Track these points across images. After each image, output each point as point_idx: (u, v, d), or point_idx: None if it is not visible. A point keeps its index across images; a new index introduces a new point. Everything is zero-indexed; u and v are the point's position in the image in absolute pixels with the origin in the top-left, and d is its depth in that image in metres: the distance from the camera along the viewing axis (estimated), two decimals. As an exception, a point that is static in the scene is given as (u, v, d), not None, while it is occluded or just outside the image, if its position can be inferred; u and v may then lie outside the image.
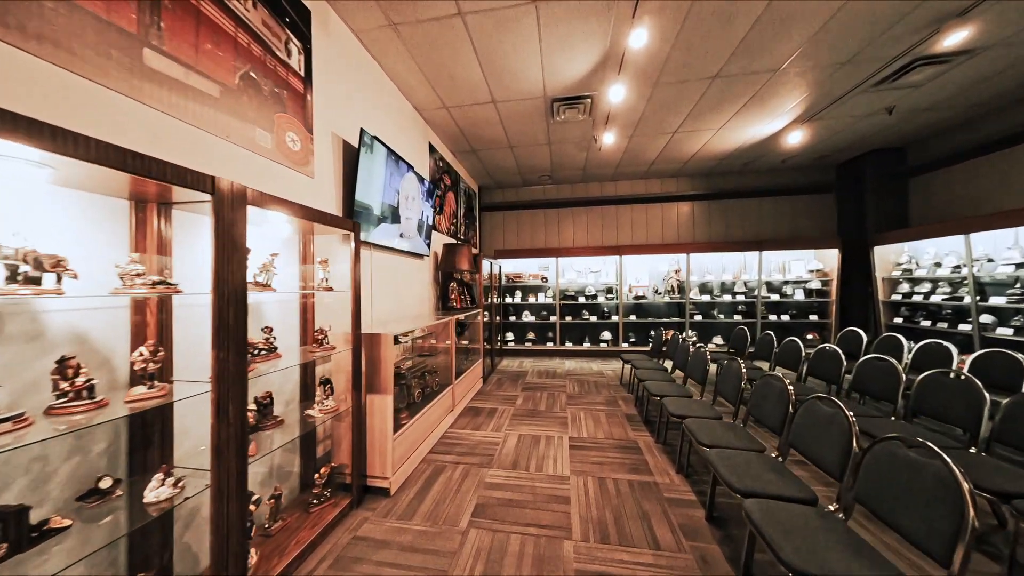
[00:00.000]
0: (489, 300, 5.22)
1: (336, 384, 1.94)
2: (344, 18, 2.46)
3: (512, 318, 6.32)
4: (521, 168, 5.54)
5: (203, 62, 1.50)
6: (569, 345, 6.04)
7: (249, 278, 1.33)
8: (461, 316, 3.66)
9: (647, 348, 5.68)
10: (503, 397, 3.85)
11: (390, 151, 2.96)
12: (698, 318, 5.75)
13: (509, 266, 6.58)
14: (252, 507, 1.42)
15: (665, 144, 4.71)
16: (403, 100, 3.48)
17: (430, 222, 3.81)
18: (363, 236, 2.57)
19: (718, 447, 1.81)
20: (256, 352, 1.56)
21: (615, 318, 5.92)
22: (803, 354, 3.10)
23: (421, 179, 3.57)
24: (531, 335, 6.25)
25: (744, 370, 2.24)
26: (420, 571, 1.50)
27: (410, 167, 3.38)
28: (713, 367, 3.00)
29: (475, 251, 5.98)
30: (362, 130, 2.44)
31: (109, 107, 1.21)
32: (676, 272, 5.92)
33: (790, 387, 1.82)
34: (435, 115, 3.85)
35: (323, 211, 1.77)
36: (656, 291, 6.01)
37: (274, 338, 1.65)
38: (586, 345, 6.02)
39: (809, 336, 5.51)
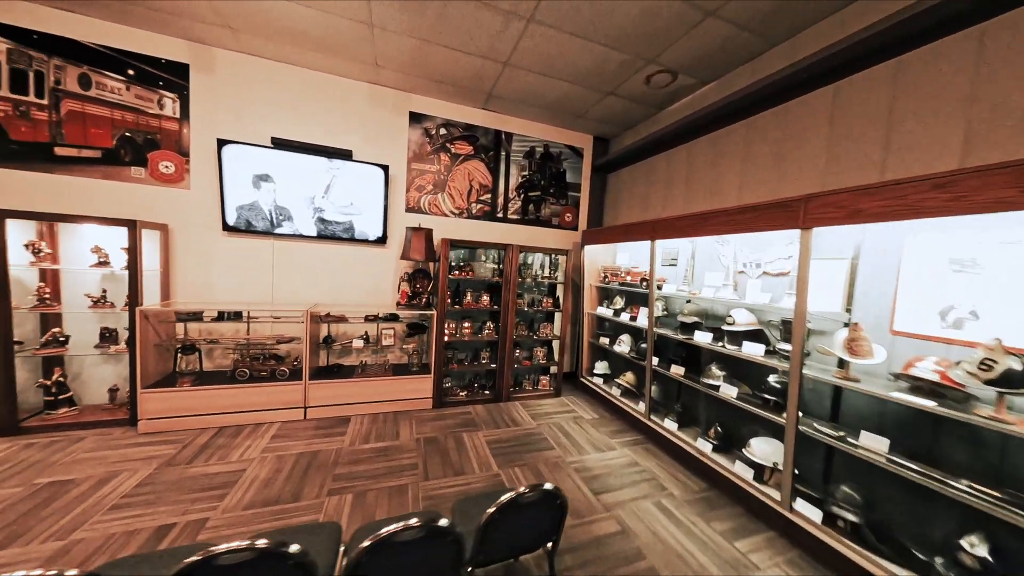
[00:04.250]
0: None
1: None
2: (237, 49, 2.97)
3: (604, 340, 3.89)
4: (590, 80, 3.17)
5: (91, 139, 2.75)
6: (670, 426, 2.85)
7: (29, 257, 2.44)
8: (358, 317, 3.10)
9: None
10: (384, 433, 2.87)
11: (296, 148, 3.15)
12: None
13: (624, 256, 3.98)
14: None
15: None
16: (351, 83, 3.36)
17: (385, 206, 3.44)
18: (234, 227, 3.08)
19: None
20: (41, 301, 2.68)
21: (784, 418, 2.01)
22: None
23: (383, 166, 3.34)
24: (627, 377, 3.56)
25: None
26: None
27: (344, 156, 3.31)
28: None
29: (575, 234, 4.24)
30: (219, 140, 2.91)
31: (41, 183, 2.68)
32: None
33: None
34: (394, 79, 3.31)
35: (85, 215, 2.57)
36: (983, 367, 1.32)
37: (48, 295, 2.68)
38: (700, 444, 2.57)
39: None
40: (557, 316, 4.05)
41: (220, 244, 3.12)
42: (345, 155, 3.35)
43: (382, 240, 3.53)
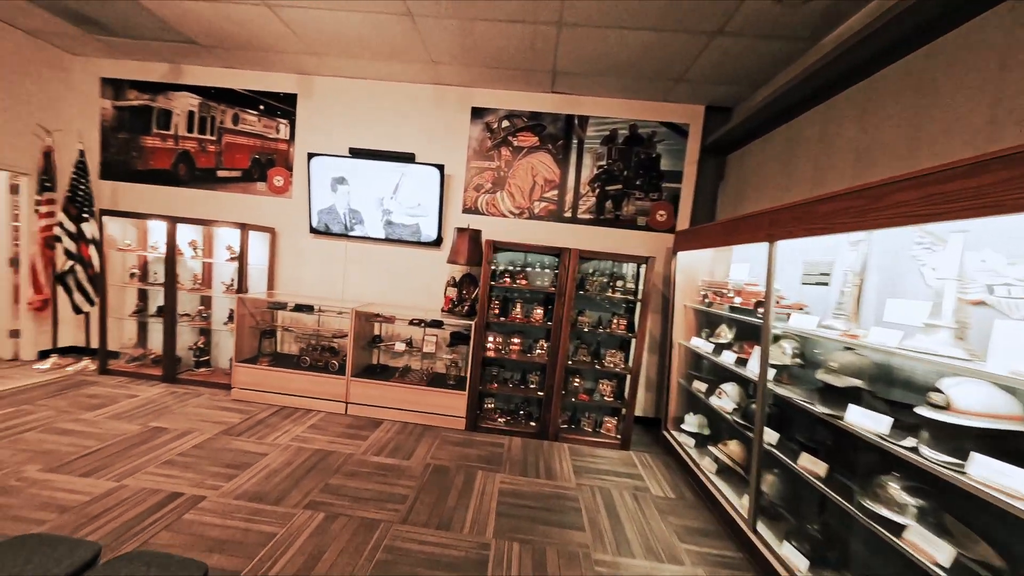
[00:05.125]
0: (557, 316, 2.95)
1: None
2: (322, 73, 3.39)
3: (699, 386, 2.71)
4: (679, 16, 2.28)
5: (236, 163, 3.54)
6: (793, 559, 1.65)
7: (191, 251, 3.27)
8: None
9: None
10: (400, 449, 2.65)
11: (369, 155, 3.36)
12: None
13: (744, 267, 2.72)
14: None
15: None
16: (417, 87, 3.41)
17: (440, 206, 3.32)
18: (316, 229, 3.45)
19: None
20: (195, 284, 3.45)
21: None
22: None
23: (438, 165, 3.27)
24: (731, 448, 2.37)
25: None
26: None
27: (408, 159, 3.36)
28: None
29: (669, 236, 3.28)
30: (308, 154, 3.32)
31: (211, 198, 3.59)
32: None
33: None
34: (453, 74, 3.19)
35: (215, 219, 3.23)
36: None
37: (200, 280, 3.42)
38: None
39: None
40: (635, 344, 3.10)
41: (308, 244, 3.58)
42: (408, 158, 3.39)
43: (437, 242, 3.41)
